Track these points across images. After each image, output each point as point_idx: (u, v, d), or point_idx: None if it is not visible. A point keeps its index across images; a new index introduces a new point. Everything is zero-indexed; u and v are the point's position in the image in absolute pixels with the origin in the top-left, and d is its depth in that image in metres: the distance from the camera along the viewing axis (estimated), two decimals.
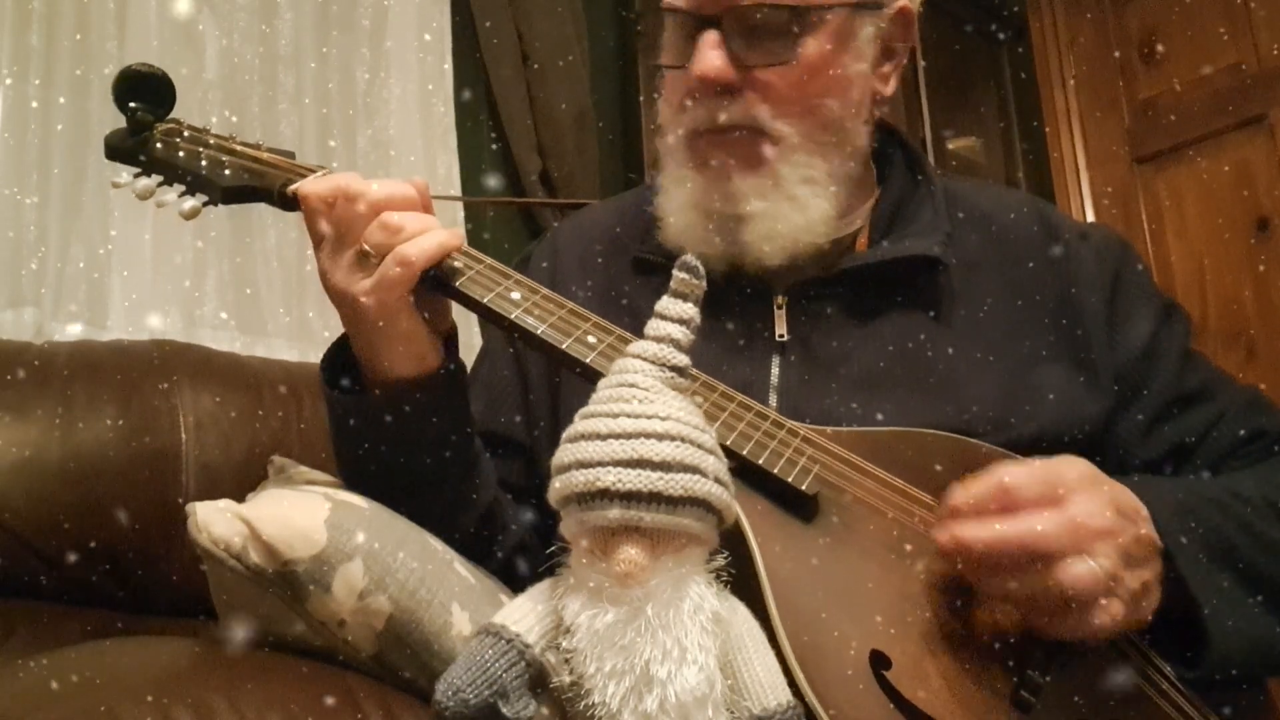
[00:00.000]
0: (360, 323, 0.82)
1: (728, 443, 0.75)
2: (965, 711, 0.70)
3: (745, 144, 0.89)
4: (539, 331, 0.80)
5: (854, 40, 0.91)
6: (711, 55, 0.87)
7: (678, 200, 0.93)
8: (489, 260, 0.85)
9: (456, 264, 0.83)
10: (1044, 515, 0.70)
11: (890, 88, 0.97)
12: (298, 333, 1.87)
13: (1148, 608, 0.74)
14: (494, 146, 2.28)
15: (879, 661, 0.70)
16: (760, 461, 0.76)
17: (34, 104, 1.65)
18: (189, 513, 0.71)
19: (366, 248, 0.80)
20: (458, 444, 0.87)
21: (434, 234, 0.81)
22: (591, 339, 0.80)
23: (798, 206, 0.90)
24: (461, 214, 2.15)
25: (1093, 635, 0.71)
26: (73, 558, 1.19)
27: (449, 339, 0.87)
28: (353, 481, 0.83)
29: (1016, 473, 0.73)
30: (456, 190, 2.15)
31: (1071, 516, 0.71)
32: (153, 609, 1.24)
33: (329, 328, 0.82)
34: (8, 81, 1.63)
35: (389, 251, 0.79)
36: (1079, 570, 0.69)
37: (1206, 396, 0.95)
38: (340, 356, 0.87)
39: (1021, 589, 0.70)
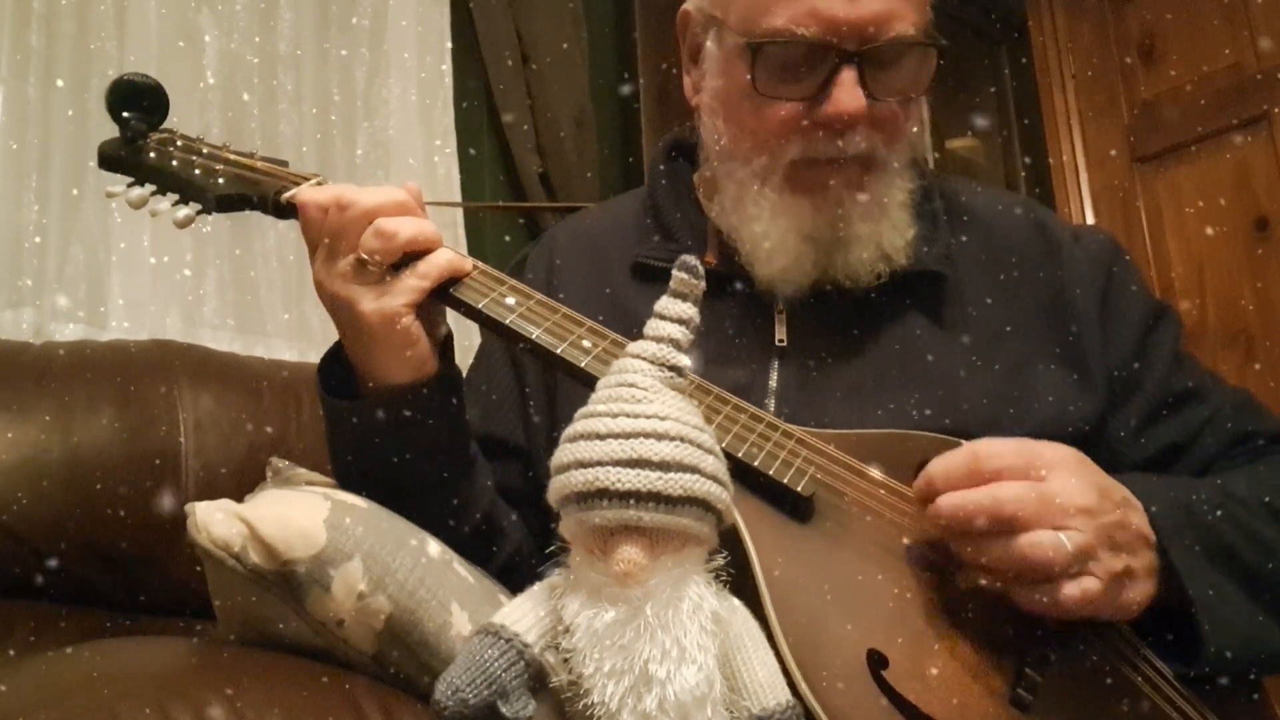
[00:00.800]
0: (359, 330, 0.82)
1: (724, 445, 0.75)
2: (963, 710, 0.70)
3: (857, 171, 0.89)
4: (534, 336, 0.80)
5: (932, 62, 0.92)
6: (856, 93, 0.86)
7: (782, 229, 0.90)
8: (484, 266, 0.85)
9: None
10: (1013, 485, 0.72)
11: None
12: (297, 333, 1.87)
13: (1133, 596, 0.75)
14: (494, 146, 2.28)
15: (877, 661, 0.70)
16: (756, 463, 0.77)
17: (34, 104, 1.65)
18: (188, 513, 0.71)
19: (364, 255, 0.80)
20: (454, 449, 0.87)
21: (444, 252, 0.82)
22: (587, 343, 0.80)
23: (896, 229, 0.91)
24: (460, 216, 2.15)
25: (1064, 609, 0.72)
26: (72, 558, 1.19)
27: (445, 344, 0.88)
28: (348, 486, 0.83)
29: (992, 443, 0.75)
30: (456, 190, 2.15)
31: (1044, 491, 0.72)
32: (153, 609, 1.24)
33: (329, 328, 0.82)
34: (7, 81, 1.63)
35: (385, 257, 0.80)
36: (1043, 539, 0.71)
37: (1197, 398, 0.95)
38: (336, 361, 0.87)
39: (989, 556, 0.72)
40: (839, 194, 0.89)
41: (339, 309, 0.82)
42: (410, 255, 0.82)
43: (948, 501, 0.73)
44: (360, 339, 0.83)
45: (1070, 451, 0.77)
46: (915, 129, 0.93)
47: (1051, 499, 0.72)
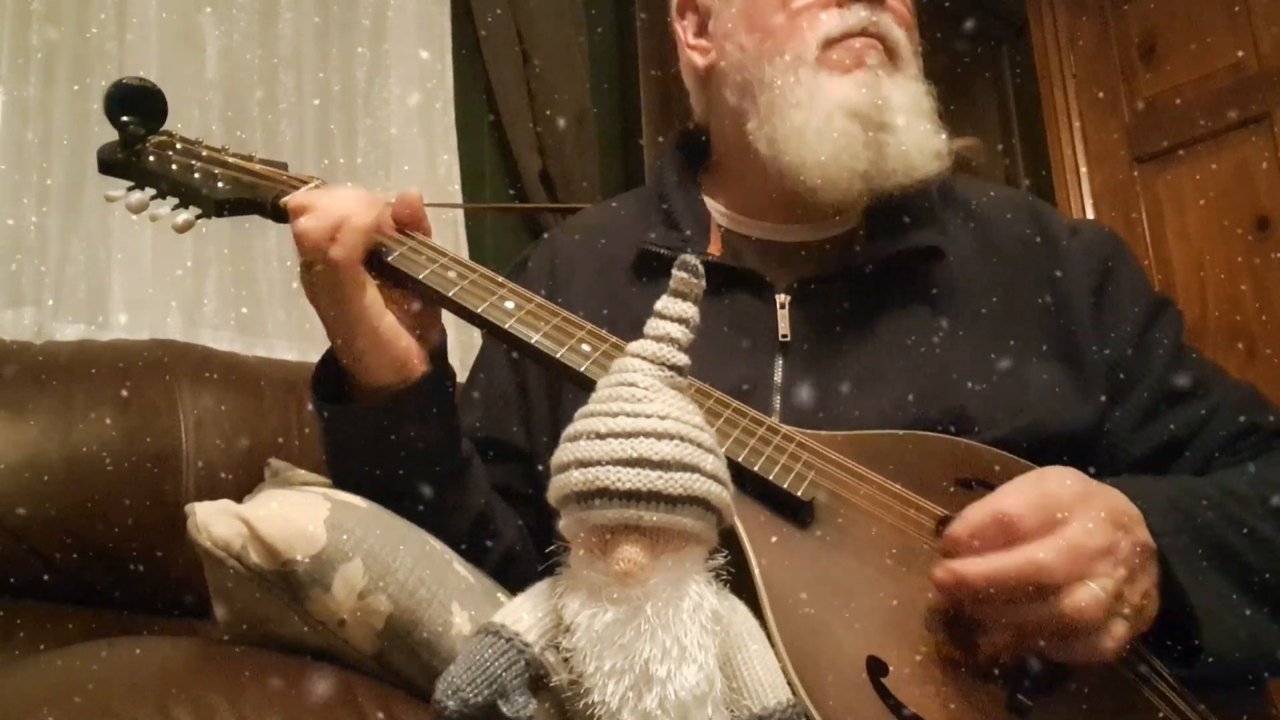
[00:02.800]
0: (329, 332, 0.82)
1: (724, 450, 0.74)
2: (962, 716, 0.70)
3: (888, 54, 0.89)
4: (533, 340, 0.80)
5: None
6: None
7: (822, 108, 0.87)
8: (482, 269, 0.85)
9: (450, 274, 0.83)
10: (1044, 544, 0.69)
11: None
12: (298, 333, 1.86)
13: (1149, 615, 0.74)
14: (494, 146, 2.27)
15: (876, 667, 0.70)
16: (756, 468, 0.76)
17: (34, 104, 1.65)
18: (189, 513, 0.71)
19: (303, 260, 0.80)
20: (444, 452, 0.87)
21: (348, 222, 0.79)
22: (585, 347, 0.80)
23: (934, 128, 0.90)
24: (461, 216, 2.15)
25: (1100, 659, 0.70)
26: (73, 558, 1.19)
27: (437, 348, 0.87)
28: (344, 488, 0.83)
29: (1015, 501, 0.71)
30: (456, 190, 2.15)
31: (1070, 541, 0.69)
32: (153, 609, 1.24)
33: None
34: (7, 81, 1.63)
35: (309, 258, 0.80)
36: (1082, 597, 0.68)
37: (1200, 391, 0.94)
38: (330, 367, 0.87)
39: (1026, 621, 0.70)
40: (876, 72, 0.88)
41: (317, 311, 0.83)
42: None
43: (977, 569, 0.69)
44: (335, 341, 0.83)
45: (1075, 480, 0.74)
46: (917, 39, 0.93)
47: (1079, 549, 0.69)
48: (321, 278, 0.80)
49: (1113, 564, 0.71)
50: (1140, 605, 0.73)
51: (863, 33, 0.88)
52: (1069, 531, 0.70)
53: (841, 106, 0.88)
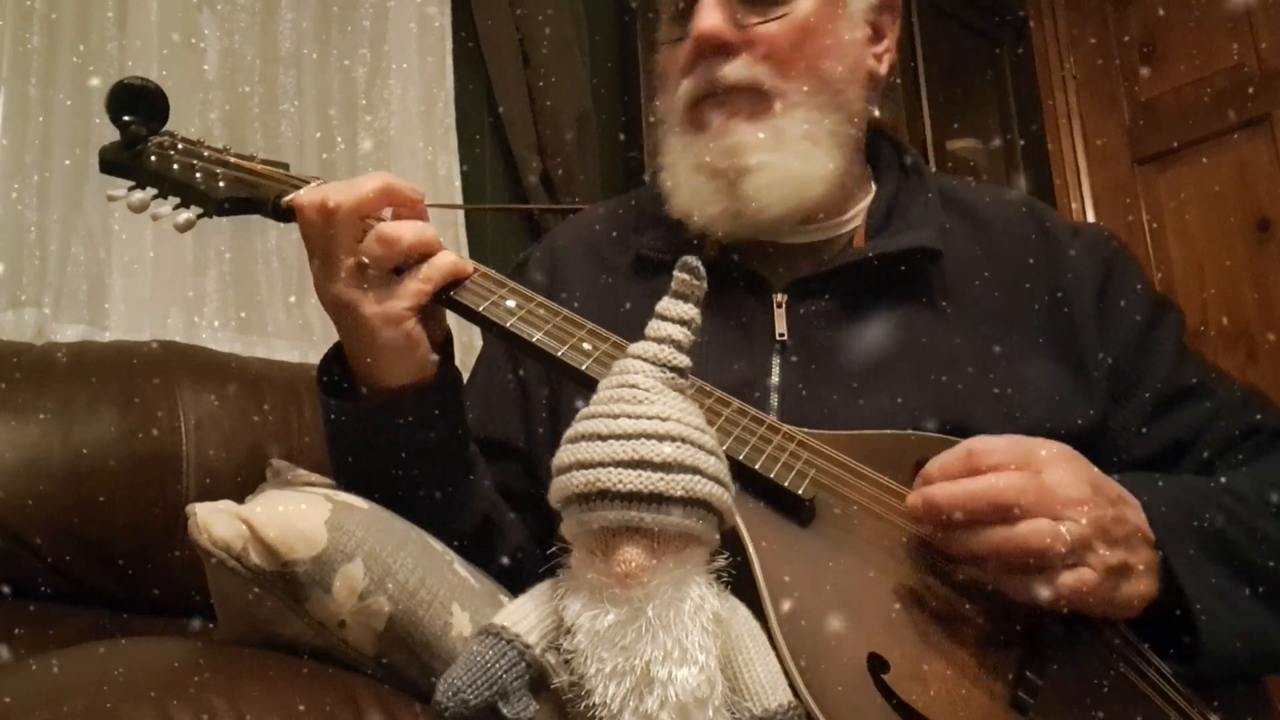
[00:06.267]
0: (361, 334, 0.82)
1: (725, 448, 0.74)
2: (963, 713, 0.70)
3: (746, 100, 0.92)
4: (534, 339, 0.80)
5: (844, 9, 0.94)
6: (710, 14, 0.90)
7: (682, 167, 0.95)
8: (484, 268, 0.85)
9: None
10: (1011, 474, 0.72)
11: (884, 68, 0.99)
12: (298, 333, 1.86)
13: (1131, 592, 0.75)
14: (494, 146, 2.27)
15: (877, 664, 0.70)
16: (757, 466, 0.76)
17: (34, 104, 1.65)
18: (189, 514, 0.71)
19: (365, 259, 0.80)
20: (453, 451, 0.87)
21: (446, 256, 0.82)
22: (587, 346, 0.80)
23: (799, 157, 0.92)
24: (462, 216, 2.15)
25: (1061, 598, 0.71)
26: (73, 558, 1.19)
27: (444, 346, 0.87)
28: (348, 487, 0.83)
29: (988, 440, 0.75)
30: (457, 190, 2.15)
31: (1041, 482, 0.72)
32: (153, 609, 1.24)
33: (329, 328, 0.82)
34: (8, 81, 1.63)
35: (387, 262, 0.80)
36: (1041, 526, 0.71)
37: (1202, 392, 0.95)
38: (336, 363, 0.87)
39: (987, 543, 0.71)
40: (726, 126, 0.91)
41: (341, 313, 0.82)
42: (412, 258, 0.82)
43: (944, 490, 0.73)
44: (362, 342, 0.82)
45: (1064, 448, 0.77)
46: (832, 65, 0.93)
47: (1049, 490, 0.72)
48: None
49: (1084, 515, 0.72)
50: (1116, 569, 0.73)
51: (711, 93, 0.92)
52: (1041, 476, 0.73)
53: (690, 164, 0.94)
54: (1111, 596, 0.74)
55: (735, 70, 0.91)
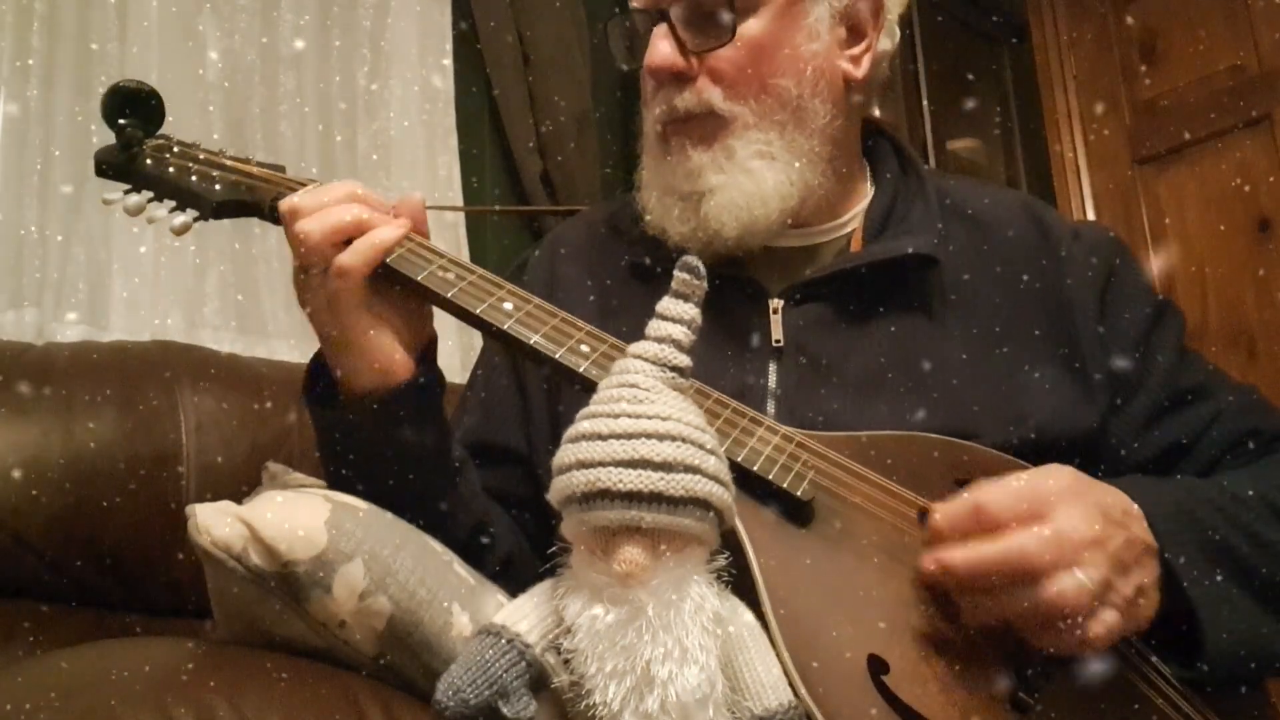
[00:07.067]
0: (320, 337, 0.83)
1: (724, 449, 0.74)
2: (963, 714, 0.70)
3: (701, 126, 0.93)
4: (531, 341, 0.80)
5: (804, 20, 0.94)
6: (660, 46, 0.92)
7: (654, 188, 0.97)
8: (481, 271, 0.84)
9: (449, 275, 0.82)
10: (1027, 532, 0.70)
11: (862, 70, 0.97)
12: (298, 333, 1.86)
13: (1145, 611, 0.74)
14: (494, 148, 2.27)
15: (877, 666, 0.70)
16: (756, 468, 0.76)
17: (34, 105, 1.65)
18: (189, 515, 0.71)
19: (298, 263, 0.81)
20: (433, 456, 0.86)
21: (369, 236, 0.81)
22: (585, 348, 0.80)
23: (751, 177, 0.93)
24: (462, 218, 2.15)
25: (1090, 647, 0.70)
26: (73, 558, 1.19)
27: (426, 350, 0.87)
28: (340, 490, 0.83)
29: (994, 491, 0.72)
30: (457, 190, 2.15)
31: (1056, 530, 0.70)
32: (153, 609, 1.24)
33: None
34: (9, 82, 1.63)
35: (308, 262, 0.81)
36: (1066, 584, 0.69)
37: (1203, 395, 0.94)
38: (324, 368, 0.87)
39: (1011, 608, 0.70)
40: (685, 152, 0.94)
41: (308, 317, 0.83)
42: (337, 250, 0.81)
43: (961, 557, 0.71)
44: (325, 345, 0.83)
45: (1064, 473, 0.75)
46: (787, 82, 0.93)
47: (1064, 538, 0.70)
48: (323, 282, 0.81)
49: (1101, 554, 0.71)
50: (1133, 598, 0.73)
51: (670, 120, 0.94)
52: (1053, 521, 0.71)
53: (659, 186, 0.97)
54: (1132, 625, 0.73)
55: (688, 99, 0.93)
